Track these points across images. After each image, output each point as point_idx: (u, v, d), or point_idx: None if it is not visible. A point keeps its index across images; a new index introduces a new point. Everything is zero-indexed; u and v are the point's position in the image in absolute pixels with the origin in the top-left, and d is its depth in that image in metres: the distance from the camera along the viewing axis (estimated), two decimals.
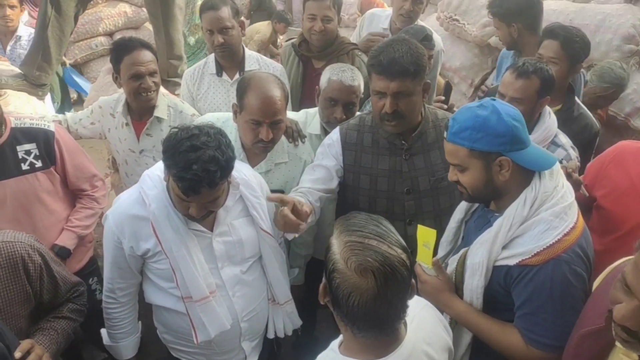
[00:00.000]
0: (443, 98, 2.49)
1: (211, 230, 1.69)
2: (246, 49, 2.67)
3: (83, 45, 5.46)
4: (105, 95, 2.62)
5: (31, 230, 2.00)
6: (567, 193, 1.39)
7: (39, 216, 2.13)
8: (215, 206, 1.60)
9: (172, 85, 3.34)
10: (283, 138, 1.98)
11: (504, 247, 1.37)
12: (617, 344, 1.09)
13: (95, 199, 2.32)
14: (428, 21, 3.93)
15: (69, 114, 2.60)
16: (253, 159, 1.96)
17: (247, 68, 2.60)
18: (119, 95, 2.46)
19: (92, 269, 2.41)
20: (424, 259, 1.52)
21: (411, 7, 2.70)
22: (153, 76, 2.27)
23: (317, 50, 2.69)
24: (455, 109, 3.76)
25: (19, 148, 2.04)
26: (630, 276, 0.99)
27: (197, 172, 1.43)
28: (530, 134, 1.46)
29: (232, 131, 1.94)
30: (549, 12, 3.53)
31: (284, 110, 1.86)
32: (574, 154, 2.01)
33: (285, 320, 1.91)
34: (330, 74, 2.09)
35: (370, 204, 1.83)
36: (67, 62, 4.32)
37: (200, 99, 2.65)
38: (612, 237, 1.67)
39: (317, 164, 1.88)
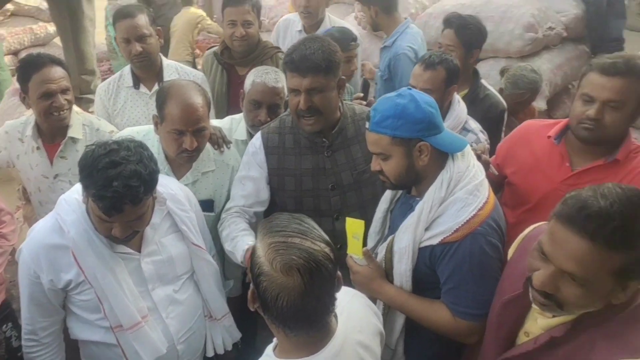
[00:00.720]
0: (362, 95, 2.57)
1: (139, 251, 1.60)
2: (164, 58, 2.59)
3: None
4: (11, 119, 2.44)
5: None
6: (478, 172, 1.48)
7: None
8: (140, 225, 1.51)
9: (85, 103, 3.19)
10: (208, 146, 1.95)
11: (427, 229, 1.44)
12: (534, 306, 1.17)
13: (2, 235, 2.11)
14: (346, 21, 4.01)
15: None
16: (178, 171, 1.91)
17: (165, 78, 2.50)
18: (27, 117, 2.29)
19: (6, 314, 2.17)
20: (354, 251, 1.55)
21: (306, 3, 2.85)
22: (65, 94, 2.12)
23: (240, 56, 2.67)
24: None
25: None
26: (547, 245, 1.07)
27: (118, 189, 1.35)
28: (443, 121, 1.54)
29: (154, 144, 1.88)
30: (458, 7, 3.74)
31: (207, 118, 1.83)
32: (483, 137, 2.13)
33: (224, 335, 1.85)
34: (254, 77, 2.09)
35: (297, 204, 1.85)
36: None
37: (117, 115, 2.52)
38: (522, 210, 1.79)
39: (245, 175, 1.88)
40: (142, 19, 2.37)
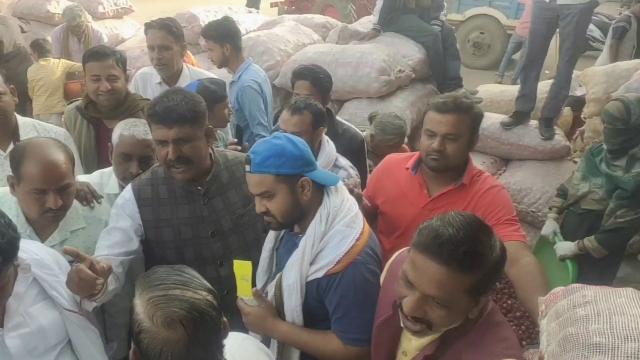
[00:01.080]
0: (236, 140, 2.63)
1: (1, 325, 1.44)
2: (19, 117, 2.39)
3: None
4: None
5: None
6: (352, 205, 1.60)
7: None
8: (1, 298, 1.38)
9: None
10: (76, 203, 1.84)
11: (311, 263, 1.51)
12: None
13: None
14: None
15: None
16: (43, 232, 1.77)
17: (22, 137, 2.31)
18: None
19: None
20: (244, 292, 1.56)
21: (158, 56, 2.92)
22: None
23: (107, 110, 2.56)
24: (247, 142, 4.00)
25: None
26: (410, 273, 1.17)
27: None
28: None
29: (11, 206, 1.73)
30: (318, 53, 4.04)
31: (71, 173, 1.73)
32: (353, 172, 2.31)
33: None
34: (122, 130, 2.04)
35: (178, 254, 1.81)
36: None
37: None
38: (395, 236, 1.96)
39: (113, 227, 1.79)
40: None
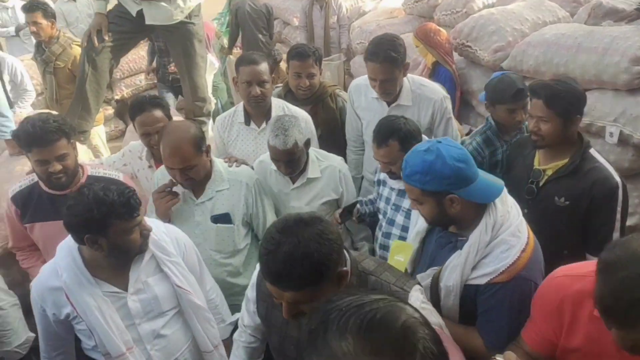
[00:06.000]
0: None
1: (126, 290, 1.81)
2: (273, 99, 2.83)
3: (129, 82, 6.04)
4: (136, 139, 2.95)
5: None
6: (515, 212, 1.57)
7: None
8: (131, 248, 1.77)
9: (198, 124, 3.66)
10: (221, 167, 2.29)
11: (473, 268, 1.55)
12: None
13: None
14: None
15: (104, 157, 2.96)
16: (197, 193, 2.27)
17: (273, 115, 2.71)
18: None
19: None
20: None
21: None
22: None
23: (302, 99, 2.99)
24: (472, 128, 3.88)
25: None
26: None
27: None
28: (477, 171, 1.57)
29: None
30: (558, 36, 3.61)
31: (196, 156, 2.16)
32: None
33: None
34: (269, 137, 2.28)
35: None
36: (115, 97, 4.80)
37: (230, 145, 2.85)
38: None
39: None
40: (264, 66, 2.68)
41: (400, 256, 1.70)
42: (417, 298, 1.37)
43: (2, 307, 2.09)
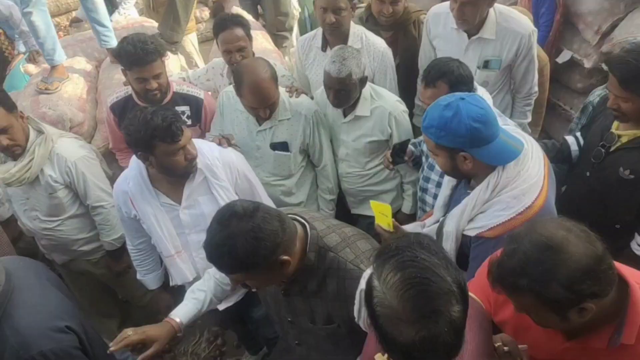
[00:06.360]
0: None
1: (179, 203, 2.05)
2: (352, 25, 2.72)
3: None
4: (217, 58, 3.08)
5: None
6: (530, 175, 1.54)
7: None
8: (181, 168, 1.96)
9: (280, 39, 3.71)
10: (285, 98, 2.36)
11: (470, 220, 1.62)
12: None
13: None
14: None
15: (190, 72, 3.15)
16: (261, 120, 2.37)
17: (350, 43, 2.63)
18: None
19: None
20: (383, 223, 1.82)
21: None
22: (242, 51, 2.61)
23: (384, 23, 2.84)
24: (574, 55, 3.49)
25: (177, 109, 2.45)
26: None
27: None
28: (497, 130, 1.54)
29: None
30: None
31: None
32: None
33: None
34: (326, 62, 2.26)
35: None
36: None
37: (307, 68, 2.86)
38: None
39: None
40: None
41: (384, 213, 1.79)
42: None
43: (104, 207, 2.50)
